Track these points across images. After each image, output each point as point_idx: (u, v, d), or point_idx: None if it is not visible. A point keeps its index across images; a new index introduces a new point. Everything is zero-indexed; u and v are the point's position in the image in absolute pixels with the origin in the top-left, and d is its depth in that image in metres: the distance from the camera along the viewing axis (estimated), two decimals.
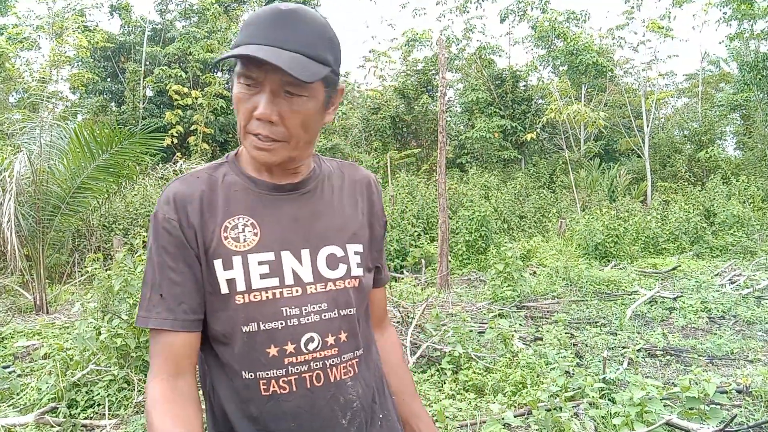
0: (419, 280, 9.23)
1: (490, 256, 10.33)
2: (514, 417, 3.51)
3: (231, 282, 1.12)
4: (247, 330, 1.12)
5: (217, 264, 1.12)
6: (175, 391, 1.10)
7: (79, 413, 4.19)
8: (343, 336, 1.20)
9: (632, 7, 21.38)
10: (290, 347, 1.13)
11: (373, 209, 1.33)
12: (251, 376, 1.13)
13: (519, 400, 4.07)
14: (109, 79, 22.37)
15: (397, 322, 5.70)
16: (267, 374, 1.13)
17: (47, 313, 7.76)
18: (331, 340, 1.18)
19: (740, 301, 7.21)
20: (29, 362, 5.46)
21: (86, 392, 4.37)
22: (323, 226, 1.21)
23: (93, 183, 8.10)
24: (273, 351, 1.13)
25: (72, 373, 4.47)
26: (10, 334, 6.43)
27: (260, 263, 1.14)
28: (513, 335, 5.39)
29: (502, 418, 3.44)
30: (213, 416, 1.20)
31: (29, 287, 8.46)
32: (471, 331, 5.43)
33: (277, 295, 1.14)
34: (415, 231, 12.03)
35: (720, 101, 23.30)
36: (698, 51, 36.81)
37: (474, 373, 4.54)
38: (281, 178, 1.20)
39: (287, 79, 1.07)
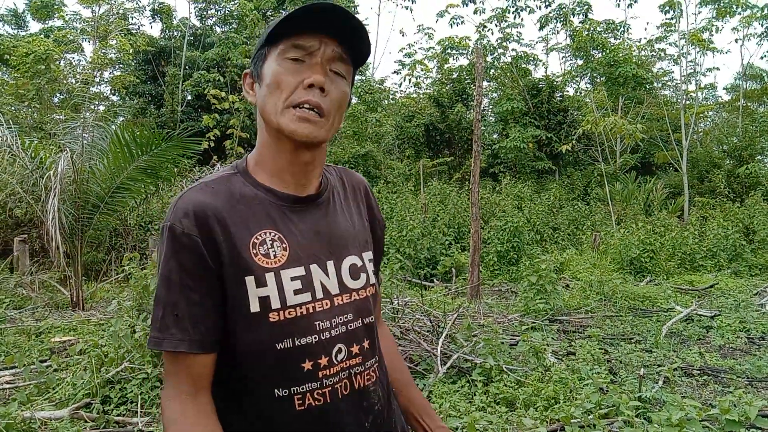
0: (449, 289, 9.17)
1: (522, 267, 10.22)
2: None
3: (264, 300, 1.09)
4: (282, 347, 1.10)
5: (250, 281, 1.08)
6: (196, 408, 1.08)
7: (112, 410, 4.26)
8: (365, 344, 1.22)
9: (672, 20, 21.05)
10: (324, 360, 1.13)
11: (373, 213, 1.35)
12: (285, 392, 1.11)
13: (551, 416, 4.00)
14: (149, 82, 22.84)
15: (428, 331, 5.66)
16: (302, 389, 1.12)
17: (83, 309, 7.92)
18: (355, 349, 1.19)
19: None
20: (65, 357, 5.57)
21: (120, 389, 4.44)
22: (341, 237, 1.21)
23: (132, 183, 8.25)
24: (308, 365, 1.12)
25: (106, 369, 4.55)
26: (47, 329, 6.59)
27: (293, 279, 1.12)
28: (545, 349, 5.32)
29: None
30: None
31: (66, 284, 8.66)
32: (503, 343, 5.38)
33: (310, 310, 1.13)
34: (446, 240, 11.98)
35: (762, 116, 22.72)
36: (740, 65, 36.02)
37: (505, 385, 4.48)
38: (302, 189, 1.18)
39: (338, 51, 1.11)
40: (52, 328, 6.62)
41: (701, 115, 24.74)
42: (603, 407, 3.88)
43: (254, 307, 1.09)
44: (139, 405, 4.22)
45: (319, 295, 1.14)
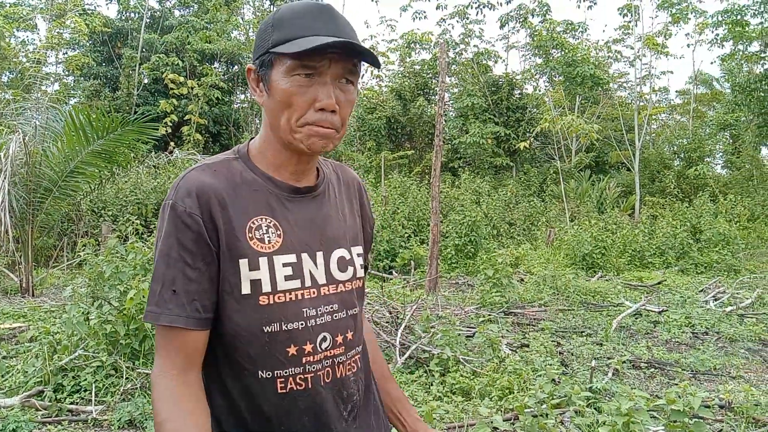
0: (408, 281, 9.26)
1: (478, 261, 10.38)
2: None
3: (255, 283, 1.12)
4: (269, 330, 1.13)
5: (243, 264, 1.11)
6: (184, 385, 1.10)
7: (66, 398, 4.18)
8: (349, 335, 1.25)
9: (630, 22, 21.57)
10: (308, 347, 1.17)
11: (365, 211, 1.38)
12: (268, 375, 1.14)
13: (505, 405, 4.11)
14: (104, 64, 22.19)
15: (387, 323, 5.72)
16: (285, 372, 1.15)
17: (33, 295, 7.71)
18: (339, 339, 1.22)
19: (723, 318, 7.29)
20: (15, 344, 5.43)
21: (73, 377, 4.35)
22: (333, 229, 1.25)
23: (86, 168, 8.05)
24: (292, 350, 1.15)
25: (59, 357, 4.45)
26: None
27: (284, 265, 1.15)
28: (500, 341, 5.44)
29: (491, 422, 3.47)
30: (218, 413, 1.18)
31: (15, 269, 8.40)
32: (459, 334, 5.47)
33: (299, 297, 1.16)
34: (406, 232, 12.06)
35: (711, 120, 23.52)
36: (692, 69, 37.19)
37: (461, 376, 4.57)
38: (299, 180, 1.21)
39: (349, 67, 1.12)
40: (1, 314, 6.43)
41: (654, 116, 25.45)
42: (555, 397, 4.00)
43: (246, 289, 1.12)
44: (93, 393, 4.16)
45: (308, 283, 1.18)
